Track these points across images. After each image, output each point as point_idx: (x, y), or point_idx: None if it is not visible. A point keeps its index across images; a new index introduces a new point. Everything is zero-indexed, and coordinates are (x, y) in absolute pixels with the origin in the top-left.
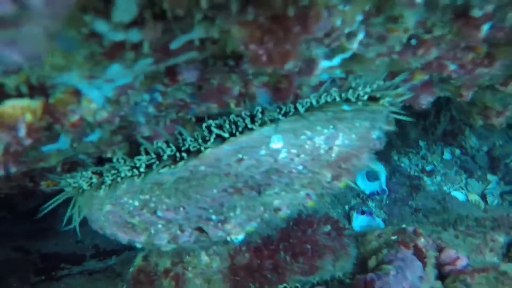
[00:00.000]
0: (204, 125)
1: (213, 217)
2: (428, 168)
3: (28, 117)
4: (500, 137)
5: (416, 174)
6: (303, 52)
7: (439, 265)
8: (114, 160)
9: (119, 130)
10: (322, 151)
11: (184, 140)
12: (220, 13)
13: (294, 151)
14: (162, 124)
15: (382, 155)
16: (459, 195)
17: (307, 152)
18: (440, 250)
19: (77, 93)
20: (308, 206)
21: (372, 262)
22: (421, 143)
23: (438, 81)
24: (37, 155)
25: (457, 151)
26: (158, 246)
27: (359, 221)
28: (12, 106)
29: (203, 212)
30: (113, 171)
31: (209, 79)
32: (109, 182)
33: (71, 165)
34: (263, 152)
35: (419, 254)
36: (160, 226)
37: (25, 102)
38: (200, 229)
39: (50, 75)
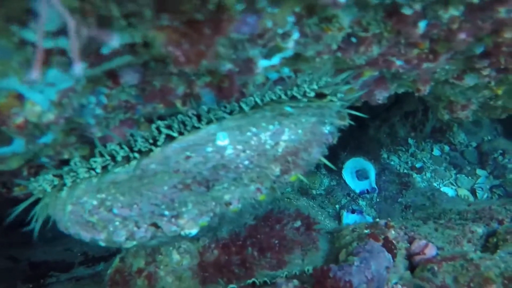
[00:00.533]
0: (153, 126)
1: (166, 212)
2: (418, 165)
3: None
4: (488, 132)
5: (405, 171)
6: (225, 52)
7: (409, 256)
8: (72, 163)
9: (71, 132)
10: (268, 146)
11: (135, 141)
12: (137, 20)
13: (240, 147)
14: (112, 125)
15: (371, 154)
16: (448, 190)
17: (252, 148)
18: (411, 241)
19: (19, 97)
20: (259, 200)
21: (342, 255)
22: (410, 140)
23: (392, 77)
24: None
25: (446, 148)
26: (119, 243)
27: (349, 220)
28: None
29: (156, 208)
30: (72, 173)
31: (151, 81)
32: (69, 183)
33: (37, 169)
34: (209, 149)
35: (388, 245)
36: (117, 223)
37: None
38: (155, 225)
39: None
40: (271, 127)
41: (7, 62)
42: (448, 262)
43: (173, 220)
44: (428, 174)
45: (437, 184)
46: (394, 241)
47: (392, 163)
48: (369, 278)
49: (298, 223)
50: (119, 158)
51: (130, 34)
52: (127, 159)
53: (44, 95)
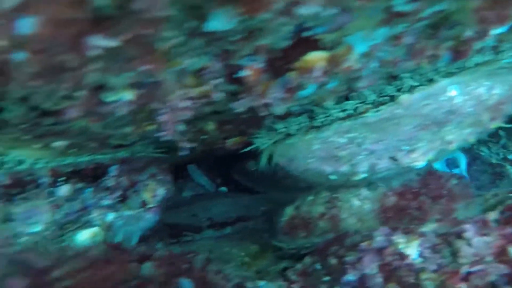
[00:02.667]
0: (402, 76)
1: (405, 147)
2: (510, 156)
3: (321, 63)
4: None
5: (497, 162)
6: None
7: None
8: (325, 104)
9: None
10: (484, 98)
11: (383, 89)
12: None
13: (465, 97)
14: (375, 77)
15: None
16: None
17: (474, 98)
18: None
19: (351, 48)
20: (469, 142)
21: (499, 209)
22: (500, 132)
23: None
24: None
25: None
26: (355, 173)
27: None
28: (313, 56)
29: (398, 143)
30: (324, 114)
31: (419, 42)
32: (319, 124)
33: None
34: (443, 98)
35: None
36: (362, 156)
37: (320, 54)
38: (393, 158)
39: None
40: (487, 82)
41: (368, 20)
42: None
43: (408, 154)
44: None
45: None
46: None
47: (482, 153)
48: None
49: (455, 181)
50: (369, 101)
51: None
52: (375, 105)
53: (360, 47)
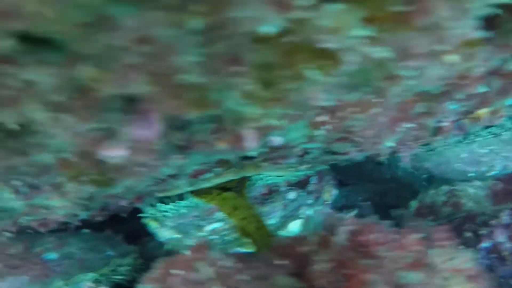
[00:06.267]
0: None
1: None
2: None
3: (486, 115)
4: None
5: None
6: None
7: None
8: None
9: None
10: None
11: None
12: None
13: None
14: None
15: None
16: None
17: None
18: None
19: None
20: None
21: None
22: None
23: None
24: None
25: None
26: (490, 171)
27: None
28: (482, 111)
29: None
30: (475, 134)
31: None
32: (470, 140)
33: None
34: None
35: None
36: (498, 161)
37: (486, 109)
38: None
39: None
40: None
41: None
42: None
43: None
44: None
45: None
46: None
47: None
48: None
49: None
50: (507, 127)
51: None
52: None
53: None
